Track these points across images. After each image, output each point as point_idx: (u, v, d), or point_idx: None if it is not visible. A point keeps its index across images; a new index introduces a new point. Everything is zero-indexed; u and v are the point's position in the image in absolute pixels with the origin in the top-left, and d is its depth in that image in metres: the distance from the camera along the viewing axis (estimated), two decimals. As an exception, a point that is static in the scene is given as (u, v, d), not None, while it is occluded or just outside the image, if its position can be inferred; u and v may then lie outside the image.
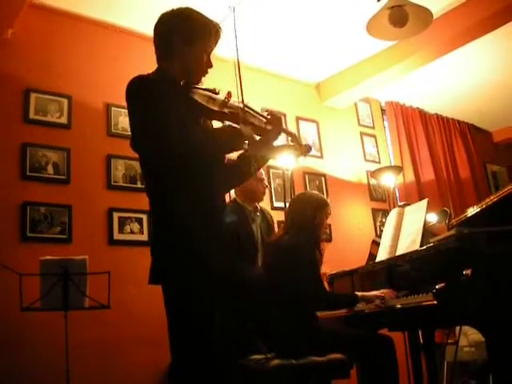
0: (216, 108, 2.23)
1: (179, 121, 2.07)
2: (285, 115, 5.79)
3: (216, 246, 2.12)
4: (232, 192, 3.74)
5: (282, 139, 2.47)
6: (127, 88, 2.13)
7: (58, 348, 3.36)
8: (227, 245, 2.24)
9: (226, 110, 2.25)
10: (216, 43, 2.33)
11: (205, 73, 2.32)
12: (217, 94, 2.30)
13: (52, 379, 3.49)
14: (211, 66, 2.32)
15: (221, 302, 2.14)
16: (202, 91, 2.29)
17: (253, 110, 2.33)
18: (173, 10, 2.29)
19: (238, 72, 2.26)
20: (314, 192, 4.31)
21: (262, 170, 3.71)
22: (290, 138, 2.47)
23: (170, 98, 2.11)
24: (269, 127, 2.31)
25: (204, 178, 2.12)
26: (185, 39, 2.23)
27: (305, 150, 2.45)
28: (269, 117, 2.34)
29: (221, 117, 2.29)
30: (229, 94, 2.22)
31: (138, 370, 4.03)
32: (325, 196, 3.76)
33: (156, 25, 2.30)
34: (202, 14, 2.29)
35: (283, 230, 3.39)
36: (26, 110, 4.19)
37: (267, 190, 3.89)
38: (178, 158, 2.01)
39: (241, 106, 2.27)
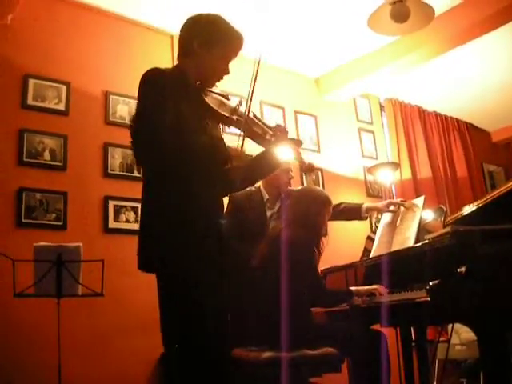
0: (226, 113, 2.31)
1: (181, 118, 2.11)
2: (283, 109, 5.79)
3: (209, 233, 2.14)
4: None
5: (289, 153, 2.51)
6: (143, 75, 2.19)
7: (51, 334, 3.35)
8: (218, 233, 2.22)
9: (234, 117, 2.34)
10: (236, 54, 2.38)
11: (220, 79, 2.38)
12: (228, 100, 2.39)
13: (44, 365, 3.49)
14: (228, 73, 2.38)
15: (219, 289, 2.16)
16: (214, 95, 2.38)
17: (260, 119, 2.43)
18: (201, 14, 2.35)
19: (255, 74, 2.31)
20: (318, 188, 4.28)
21: (289, 161, 3.79)
22: (294, 155, 2.52)
23: (179, 95, 2.16)
24: (272, 139, 2.38)
25: (197, 176, 2.13)
26: (203, 43, 2.29)
27: (306, 168, 2.49)
28: (275, 130, 2.42)
29: (228, 122, 2.37)
30: (240, 102, 2.31)
31: (130, 357, 4.04)
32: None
33: (183, 24, 2.36)
34: (228, 23, 2.34)
35: (284, 224, 3.31)
36: (24, 96, 4.16)
37: None
38: (168, 151, 2.06)
39: (248, 114, 2.33)
